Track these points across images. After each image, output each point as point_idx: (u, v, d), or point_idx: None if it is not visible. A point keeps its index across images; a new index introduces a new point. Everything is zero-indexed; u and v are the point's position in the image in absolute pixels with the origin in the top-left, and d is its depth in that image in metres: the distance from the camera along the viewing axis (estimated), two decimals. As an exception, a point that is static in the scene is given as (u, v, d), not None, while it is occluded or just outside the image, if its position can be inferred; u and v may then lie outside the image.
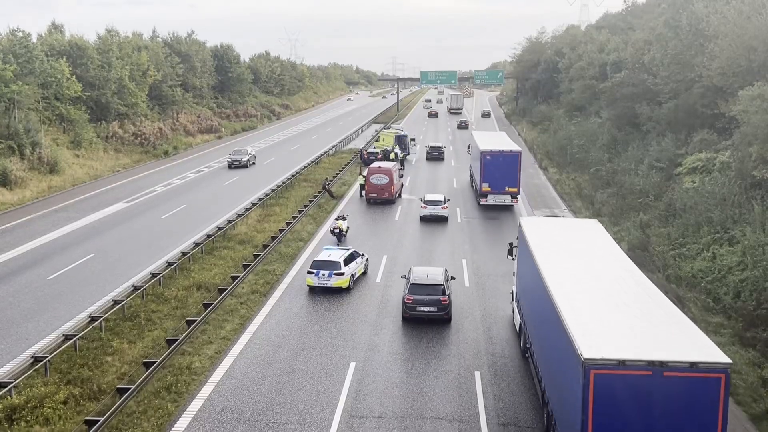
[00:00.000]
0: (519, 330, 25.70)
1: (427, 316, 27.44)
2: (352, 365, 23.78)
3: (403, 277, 30.31)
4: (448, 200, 46.65)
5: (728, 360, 14.25)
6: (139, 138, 77.08)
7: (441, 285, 27.67)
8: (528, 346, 23.24)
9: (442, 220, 45.27)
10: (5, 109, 57.73)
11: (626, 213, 43.24)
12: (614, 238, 38.10)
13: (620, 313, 16.99)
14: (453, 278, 30.86)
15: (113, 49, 78.38)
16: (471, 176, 59.45)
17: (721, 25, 45.94)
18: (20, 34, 65.01)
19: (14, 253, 37.86)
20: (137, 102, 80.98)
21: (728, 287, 28.66)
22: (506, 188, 48.52)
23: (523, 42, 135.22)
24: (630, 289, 18.67)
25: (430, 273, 28.66)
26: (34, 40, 70.38)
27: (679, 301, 28.97)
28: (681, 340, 15.34)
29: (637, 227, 39.45)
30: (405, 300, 27.56)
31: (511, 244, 30.22)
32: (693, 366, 14.10)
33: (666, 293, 29.39)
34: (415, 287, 27.54)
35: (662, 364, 14.13)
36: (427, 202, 45.48)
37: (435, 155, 75.32)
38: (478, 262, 36.18)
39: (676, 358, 14.22)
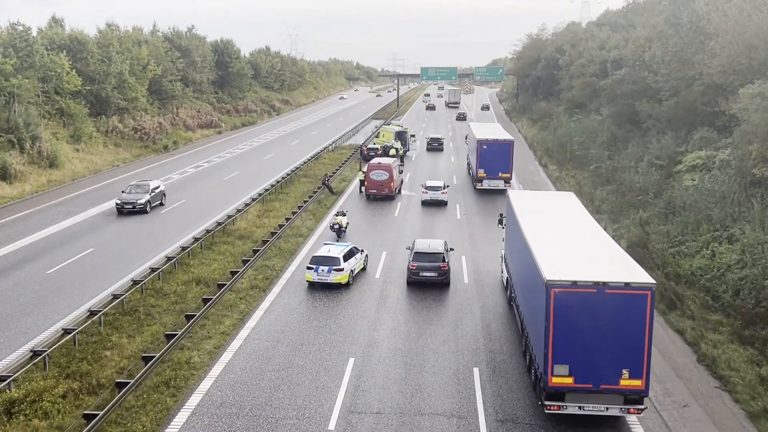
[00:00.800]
0: (506, 283, 30.59)
1: (428, 281, 31.11)
2: (351, 361, 23.81)
3: (408, 248, 33.75)
4: (447, 186, 50.37)
5: (653, 281, 19.20)
6: (138, 132, 77.04)
7: (441, 253, 31.61)
8: (513, 295, 27.59)
9: (441, 204, 48.87)
10: (5, 102, 57.67)
11: (626, 210, 43.25)
12: (614, 236, 38.75)
13: (578, 253, 22.11)
14: (452, 249, 34.27)
15: (113, 43, 78.32)
16: (468, 164, 63.48)
17: (722, 23, 45.92)
18: (20, 28, 64.96)
19: (13, 247, 37.87)
20: (137, 96, 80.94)
21: (727, 285, 28.68)
22: (500, 174, 53.59)
23: (524, 39, 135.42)
24: (588, 239, 24.04)
25: (432, 243, 32.51)
26: (35, 33, 70.30)
27: (678, 299, 29.03)
28: (620, 268, 20.38)
29: (636, 225, 39.46)
30: (410, 267, 31.35)
31: (501, 215, 34.52)
32: (627, 285, 18.92)
33: (665, 291, 29.61)
34: (419, 255, 31.46)
35: (604, 284, 18.92)
36: (428, 188, 49.57)
37: (435, 146, 79.83)
38: (477, 259, 36.21)
39: (614, 279, 19.09)
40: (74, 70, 68.55)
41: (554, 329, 19.15)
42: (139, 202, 45.40)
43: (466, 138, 73.21)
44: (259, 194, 51.08)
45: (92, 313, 26.86)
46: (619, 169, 51.65)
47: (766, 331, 24.94)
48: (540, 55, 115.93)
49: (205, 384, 22.07)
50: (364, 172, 52.57)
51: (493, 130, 63.36)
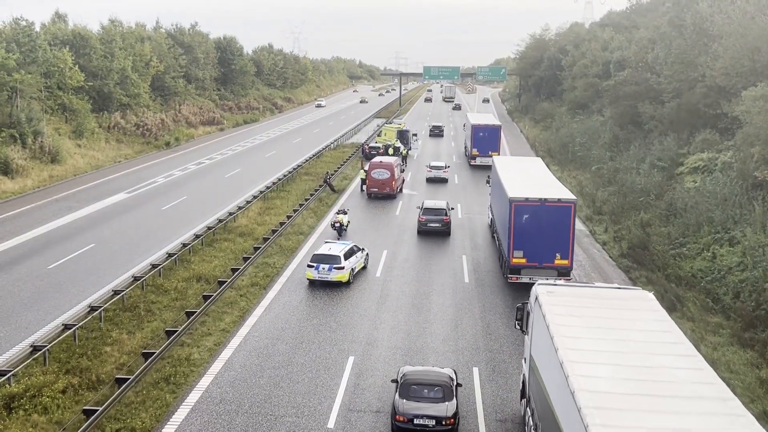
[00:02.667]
0: (490, 223, 41.76)
1: (434, 230, 40.55)
2: (351, 359, 23.82)
3: (418, 207, 42.48)
4: (448, 167, 60.04)
5: (575, 198, 31.88)
6: (141, 129, 77.07)
7: (444, 209, 41.03)
8: (494, 228, 37.76)
9: (443, 181, 58.39)
10: (8, 97, 57.71)
11: (627, 212, 43.25)
12: (614, 237, 38.51)
13: (532, 185, 33.66)
14: (452, 208, 44.15)
15: (116, 39, 78.29)
16: (465, 147, 75.30)
17: (725, 25, 45.88)
18: (23, 23, 64.94)
19: (15, 242, 37.91)
20: (140, 93, 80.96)
21: (728, 287, 28.68)
22: (490, 152, 63.72)
23: (527, 39, 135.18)
24: (541, 179, 36.66)
25: (437, 202, 42.29)
26: (38, 29, 70.35)
27: (678, 301, 29.03)
28: (556, 191, 32.94)
29: (637, 226, 39.46)
30: (419, 220, 40.71)
31: (488, 176, 45.27)
32: (559, 200, 30.58)
33: (665, 292, 29.61)
34: (427, 210, 40.83)
35: (545, 200, 30.51)
36: (432, 167, 59.06)
37: (436, 132, 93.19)
38: (478, 259, 36.22)
39: (551, 197, 30.85)
40: (77, 66, 68.53)
41: (514, 228, 30.52)
42: None
43: (464, 126, 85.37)
44: (261, 192, 51.08)
45: (93, 308, 26.88)
46: (620, 170, 51.64)
47: (766, 333, 24.93)
48: (543, 55, 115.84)
49: (205, 381, 22.08)
50: (365, 171, 52.57)
51: (485, 117, 78.05)
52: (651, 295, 18.06)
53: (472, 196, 36.01)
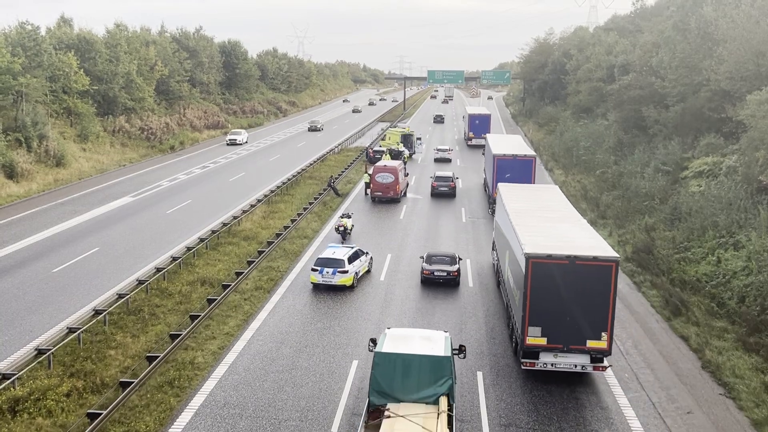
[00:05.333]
0: (484, 183, 56.09)
1: (443, 192, 53.20)
2: (355, 363, 23.81)
3: (430, 177, 55.67)
4: (451, 150, 75.86)
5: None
6: (145, 132, 77.22)
7: (450, 177, 54.38)
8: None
9: (447, 160, 72.45)
10: (13, 101, 57.88)
11: (631, 216, 43.17)
12: (619, 241, 38.53)
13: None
14: (457, 178, 58.34)
15: (121, 43, 78.48)
16: (464, 132, 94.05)
17: (730, 29, 45.81)
18: (29, 27, 65.11)
19: (20, 245, 38.00)
20: (144, 96, 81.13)
21: (732, 292, 28.59)
22: (482, 135, 77.86)
23: (531, 43, 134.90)
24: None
25: (445, 173, 56.07)
26: (43, 33, 70.48)
27: (683, 305, 28.96)
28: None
29: (642, 230, 39.38)
30: (432, 185, 53.82)
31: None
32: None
33: (670, 297, 29.55)
34: (438, 178, 54.22)
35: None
36: (438, 149, 74.07)
37: (439, 120, 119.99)
38: (482, 263, 36.19)
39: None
40: (82, 70, 68.75)
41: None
42: None
43: (462, 117, 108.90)
44: (265, 195, 51.15)
45: (97, 312, 26.93)
46: (625, 174, 51.55)
47: (771, 338, 24.84)
48: (547, 59, 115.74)
49: (209, 384, 22.10)
50: (369, 175, 52.61)
51: (479, 108, 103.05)
52: (557, 187, 37.36)
53: (490, 265, 35.78)
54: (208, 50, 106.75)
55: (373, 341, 19.98)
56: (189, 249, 36.16)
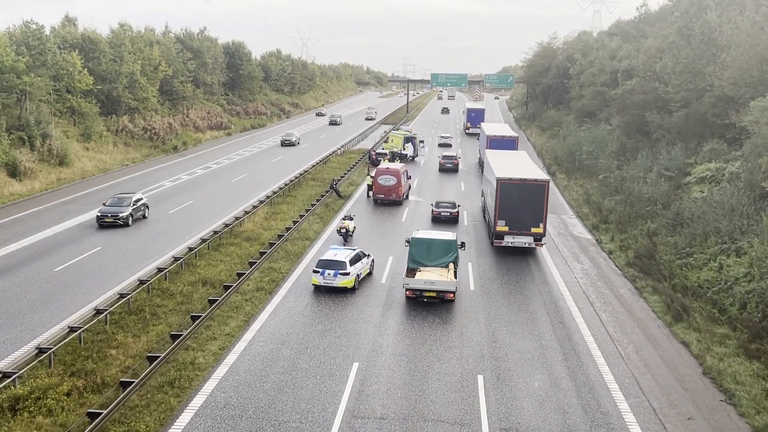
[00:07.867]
0: (479, 162, 67.66)
1: (448, 168, 66.43)
2: (355, 365, 23.80)
3: (438, 156, 68.86)
4: (452, 137, 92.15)
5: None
6: (148, 132, 77.31)
7: (455, 156, 68.01)
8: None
9: (449, 145, 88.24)
10: (17, 100, 58.00)
11: (634, 221, 43.14)
12: (621, 246, 38.73)
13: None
14: (459, 157, 71.20)
15: (125, 43, 78.64)
16: (464, 124, 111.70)
17: (734, 35, 45.80)
18: (33, 26, 65.30)
19: (22, 244, 38.05)
20: (148, 97, 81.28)
21: (734, 298, 28.56)
22: (478, 125, 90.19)
23: (535, 47, 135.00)
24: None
25: (450, 152, 66.42)
26: (48, 32, 70.69)
27: (685, 311, 28.92)
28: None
29: (644, 235, 39.36)
30: (440, 163, 66.97)
31: (478, 135, 69.32)
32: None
33: (672, 302, 29.51)
34: (444, 157, 67.83)
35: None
36: (442, 136, 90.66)
37: (445, 111, 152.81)
38: (483, 266, 36.18)
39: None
40: (86, 69, 68.87)
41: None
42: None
43: (462, 112, 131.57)
44: (267, 197, 51.17)
45: (98, 311, 26.95)
46: (627, 179, 51.50)
47: (772, 345, 24.80)
48: (551, 63, 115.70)
49: (209, 385, 22.10)
50: (372, 177, 52.61)
51: (476, 104, 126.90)
52: (524, 152, 54.51)
53: (491, 268, 35.66)
54: (211, 51, 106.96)
55: (407, 240, 32.58)
56: (191, 249, 36.18)
